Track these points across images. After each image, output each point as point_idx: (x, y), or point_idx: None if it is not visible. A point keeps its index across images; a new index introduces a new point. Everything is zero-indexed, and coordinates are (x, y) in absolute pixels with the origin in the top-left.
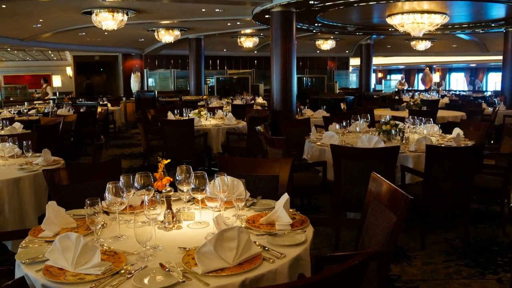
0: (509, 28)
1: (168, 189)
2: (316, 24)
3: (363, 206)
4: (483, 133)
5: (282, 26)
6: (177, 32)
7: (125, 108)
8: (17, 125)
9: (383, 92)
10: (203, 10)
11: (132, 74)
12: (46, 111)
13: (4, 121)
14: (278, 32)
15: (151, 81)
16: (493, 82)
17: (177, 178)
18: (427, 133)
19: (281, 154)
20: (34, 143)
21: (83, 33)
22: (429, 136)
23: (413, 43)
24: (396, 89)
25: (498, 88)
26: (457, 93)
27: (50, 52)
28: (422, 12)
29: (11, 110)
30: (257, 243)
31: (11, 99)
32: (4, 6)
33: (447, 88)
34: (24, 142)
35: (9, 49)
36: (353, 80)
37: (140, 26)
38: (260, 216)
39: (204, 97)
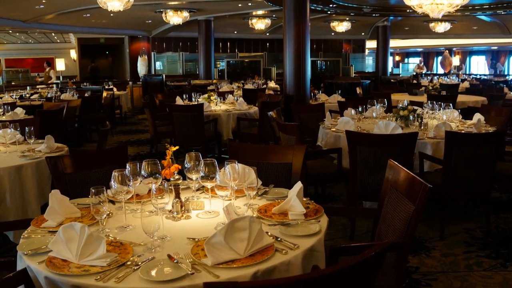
0: None
1: (177, 177)
2: (331, 5)
3: (379, 195)
4: (505, 118)
5: (295, 7)
6: (185, 14)
7: (132, 93)
8: (19, 110)
9: (400, 76)
10: None
11: (139, 57)
12: (49, 95)
13: (5, 106)
14: (291, 13)
15: (158, 65)
16: None
17: (185, 165)
18: (446, 119)
19: (294, 141)
20: (36, 129)
21: (88, 15)
22: (449, 122)
23: (432, 24)
24: (414, 73)
25: None
26: (478, 77)
27: (53, 34)
28: None
29: (12, 95)
30: (269, 233)
31: (13, 83)
32: None
33: (467, 72)
34: (26, 128)
35: (10, 31)
36: (369, 63)
37: (147, 7)
38: (272, 205)
39: (214, 81)
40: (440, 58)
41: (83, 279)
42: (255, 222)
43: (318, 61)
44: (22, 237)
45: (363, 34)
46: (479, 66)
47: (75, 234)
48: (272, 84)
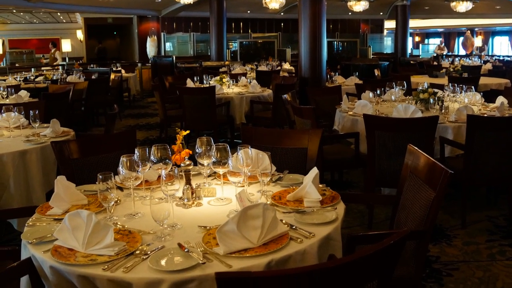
0: None
1: (187, 162)
2: None
3: (398, 181)
4: None
5: None
6: None
7: (141, 75)
8: (23, 93)
9: (420, 57)
10: None
11: (148, 38)
12: (54, 78)
13: (9, 89)
14: None
15: (168, 46)
16: None
17: (196, 150)
18: (468, 102)
19: (309, 125)
20: (41, 113)
21: None
22: (471, 105)
23: (453, 4)
24: (435, 54)
25: None
26: (501, 58)
27: (59, 14)
28: None
29: (16, 77)
30: (283, 221)
31: (17, 65)
32: None
33: (489, 53)
34: (30, 111)
35: (14, 11)
36: (388, 44)
37: None
38: (287, 192)
39: (226, 63)
40: (461, 38)
41: (90, 268)
42: (269, 209)
43: (335, 42)
44: (26, 225)
45: (381, 13)
46: (502, 47)
47: (81, 222)
48: (286, 65)
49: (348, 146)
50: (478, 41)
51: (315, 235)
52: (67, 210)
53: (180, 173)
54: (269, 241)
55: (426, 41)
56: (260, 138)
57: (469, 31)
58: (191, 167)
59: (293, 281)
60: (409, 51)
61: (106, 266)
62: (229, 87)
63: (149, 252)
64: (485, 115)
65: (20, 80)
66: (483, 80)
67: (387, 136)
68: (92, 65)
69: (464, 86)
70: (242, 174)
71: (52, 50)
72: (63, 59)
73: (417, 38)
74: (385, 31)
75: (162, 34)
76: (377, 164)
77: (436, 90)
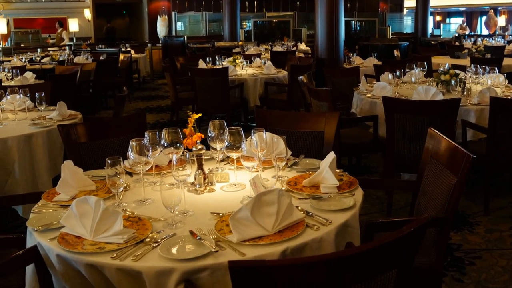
0: None
1: (199, 147)
2: None
3: (419, 166)
4: None
5: None
6: None
7: (151, 56)
8: (28, 74)
9: (441, 37)
10: None
11: (158, 17)
12: (61, 59)
13: (14, 70)
14: None
15: (180, 25)
16: None
17: (209, 134)
18: (491, 84)
19: (326, 108)
20: (48, 95)
21: None
22: (494, 87)
23: None
24: (457, 34)
25: None
26: None
27: None
28: None
29: (22, 58)
30: (299, 207)
31: (22, 45)
32: None
33: None
34: (36, 94)
35: None
36: (407, 24)
37: None
38: (303, 178)
39: (240, 43)
40: (484, 18)
41: (98, 257)
42: (284, 195)
43: (352, 22)
44: (32, 211)
45: None
46: None
47: (89, 209)
48: (302, 46)
49: (366, 129)
50: (501, 20)
51: (332, 222)
52: (75, 196)
53: (192, 158)
54: (284, 228)
55: (447, 20)
56: (275, 122)
57: (492, 10)
58: (203, 151)
59: (310, 270)
60: (429, 31)
61: (115, 255)
62: (242, 68)
63: (159, 240)
64: (509, 98)
65: (25, 61)
66: (506, 61)
67: (407, 119)
68: (100, 46)
69: (487, 67)
70: (256, 159)
71: (59, 30)
72: (70, 39)
73: (438, 18)
74: (405, 10)
75: (173, 13)
76: (397, 148)
77: (458, 71)
